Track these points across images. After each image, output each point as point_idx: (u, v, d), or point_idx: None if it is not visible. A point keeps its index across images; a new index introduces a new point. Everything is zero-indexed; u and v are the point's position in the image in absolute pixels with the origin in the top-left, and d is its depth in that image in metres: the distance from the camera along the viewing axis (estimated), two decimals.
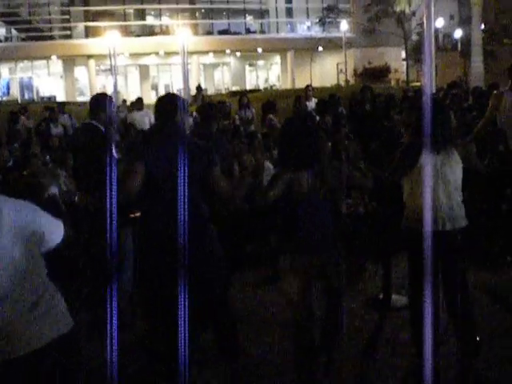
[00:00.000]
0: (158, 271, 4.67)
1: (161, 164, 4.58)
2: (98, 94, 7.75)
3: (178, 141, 4.47)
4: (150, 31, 63.26)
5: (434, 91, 10.47)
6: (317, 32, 62.52)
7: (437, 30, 45.36)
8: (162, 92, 62.16)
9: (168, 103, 4.89)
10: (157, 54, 61.71)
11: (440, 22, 47.34)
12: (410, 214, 5.11)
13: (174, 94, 5.29)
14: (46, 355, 3.14)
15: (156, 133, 4.92)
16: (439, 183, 4.98)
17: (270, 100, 14.87)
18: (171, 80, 64.23)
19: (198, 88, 29.20)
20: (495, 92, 9.14)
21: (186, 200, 3.96)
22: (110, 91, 55.89)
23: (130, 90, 55.57)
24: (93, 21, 57.64)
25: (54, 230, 3.32)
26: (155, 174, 4.60)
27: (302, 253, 4.80)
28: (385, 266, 6.71)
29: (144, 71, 64.30)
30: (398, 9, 22.00)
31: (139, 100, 17.59)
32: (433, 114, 4.84)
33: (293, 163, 4.75)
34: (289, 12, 70.24)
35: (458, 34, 48.24)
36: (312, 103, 15.06)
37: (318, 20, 59.24)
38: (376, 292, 6.87)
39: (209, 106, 8.61)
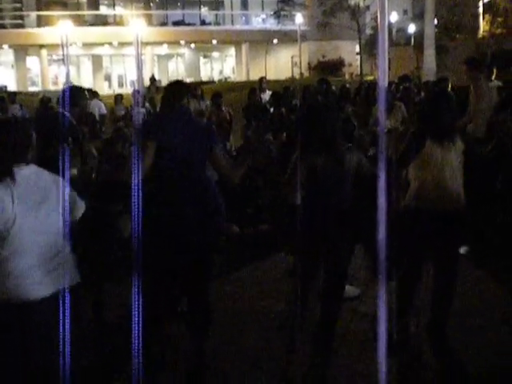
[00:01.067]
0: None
1: (171, 141, 5.02)
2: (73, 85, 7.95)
3: (184, 121, 5.10)
4: (103, 21, 62.52)
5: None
6: (272, 25, 62.53)
7: (390, 25, 45.72)
8: (115, 83, 61.57)
9: (176, 88, 5.38)
10: (110, 44, 61.06)
11: (394, 17, 47.75)
12: (420, 194, 5.44)
13: (181, 81, 5.89)
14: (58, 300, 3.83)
15: (166, 114, 5.39)
16: (444, 167, 5.32)
17: (216, 91, 15.12)
18: (125, 71, 63.66)
19: (152, 79, 29.01)
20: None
21: (193, 171, 4.97)
22: (62, 81, 55.28)
23: (83, 80, 54.84)
24: (45, 10, 56.70)
25: (80, 206, 4.20)
26: (166, 151, 5.03)
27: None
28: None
29: (97, 61, 63.59)
30: (352, 2, 22.15)
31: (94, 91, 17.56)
32: (437, 103, 5.36)
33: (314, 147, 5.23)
34: (244, 4, 70.13)
35: (412, 28, 48.69)
36: (266, 95, 15.06)
37: (273, 13, 59.23)
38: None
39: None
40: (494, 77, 11.87)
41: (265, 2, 67.75)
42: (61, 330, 3.81)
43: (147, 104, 19.94)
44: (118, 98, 19.29)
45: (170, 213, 4.99)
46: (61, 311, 3.81)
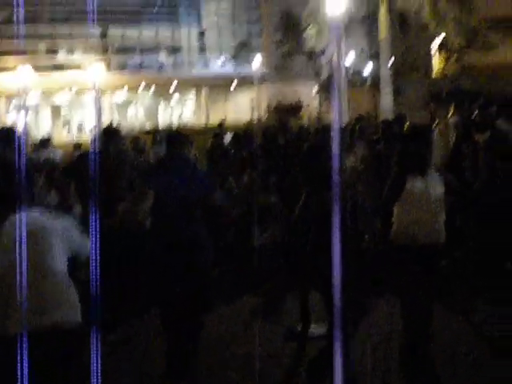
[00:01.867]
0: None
1: (168, 189, 5.31)
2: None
3: (183, 168, 5.43)
4: (61, 67, 62.43)
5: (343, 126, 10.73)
6: (230, 68, 63.11)
7: (346, 67, 46.42)
8: (73, 129, 61.26)
9: (176, 138, 5.71)
10: (69, 90, 60.93)
11: (349, 59, 48.50)
12: (400, 232, 5.56)
13: (180, 132, 6.35)
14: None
15: (166, 162, 5.72)
16: (423, 202, 5.47)
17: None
18: (83, 117, 63.44)
19: (110, 126, 28.85)
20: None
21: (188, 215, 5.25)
22: (20, 128, 54.79)
23: (41, 127, 54.49)
24: (3, 56, 56.47)
25: (86, 246, 4.26)
26: (163, 198, 5.32)
27: None
28: (302, 296, 6.72)
29: (55, 108, 63.33)
30: (309, 44, 22.63)
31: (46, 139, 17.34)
32: (416, 139, 5.57)
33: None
34: (202, 48, 70.73)
35: (368, 69, 49.42)
36: (227, 138, 15.11)
37: (230, 56, 59.76)
38: (294, 323, 6.87)
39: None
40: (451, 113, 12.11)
41: (223, 46, 68.41)
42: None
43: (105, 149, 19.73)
44: (77, 145, 19.04)
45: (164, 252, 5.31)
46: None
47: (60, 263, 4.12)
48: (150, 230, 5.46)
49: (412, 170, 5.45)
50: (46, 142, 16.71)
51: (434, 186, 5.54)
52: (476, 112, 10.35)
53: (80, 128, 62.44)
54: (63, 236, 4.17)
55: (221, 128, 15.47)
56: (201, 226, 5.64)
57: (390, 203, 5.65)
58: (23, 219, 3.98)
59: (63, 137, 50.39)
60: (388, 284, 6.23)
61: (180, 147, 5.53)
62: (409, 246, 5.46)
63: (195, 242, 5.45)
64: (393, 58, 28.84)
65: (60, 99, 62.90)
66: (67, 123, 63.60)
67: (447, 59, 42.59)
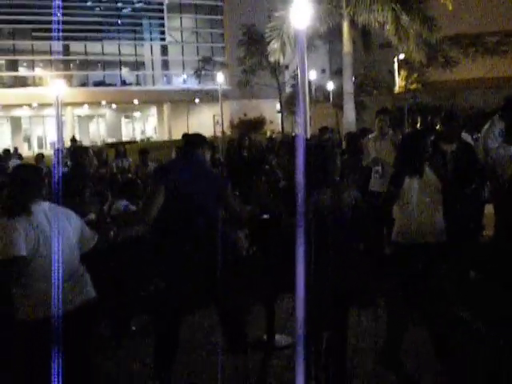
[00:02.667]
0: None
1: (181, 186, 5.37)
2: None
3: (196, 168, 5.51)
4: (22, 82, 61.92)
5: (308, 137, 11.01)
6: (193, 84, 63.15)
7: (309, 83, 46.79)
8: (34, 144, 60.59)
9: (193, 138, 5.74)
10: (29, 105, 60.43)
11: (312, 75, 48.86)
12: (400, 231, 5.74)
13: (198, 134, 6.07)
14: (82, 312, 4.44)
15: (178, 161, 5.99)
16: (421, 201, 5.66)
17: (143, 148, 15.08)
18: (44, 132, 62.96)
19: (73, 140, 28.59)
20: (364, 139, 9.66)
21: (204, 211, 5.34)
22: None
23: (1, 142, 53.90)
24: None
25: (90, 238, 4.77)
26: (175, 195, 5.38)
27: None
28: (267, 308, 6.69)
29: (16, 123, 62.74)
30: (272, 59, 22.70)
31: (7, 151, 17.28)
32: (410, 145, 5.80)
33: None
34: (165, 64, 70.75)
35: (330, 86, 49.86)
36: None
37: (193, 72, 59.79)
38: (260, 333, 6.82)
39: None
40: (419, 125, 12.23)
41: (185, 62, 68.50)
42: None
43: (69, 163, 19.63)
44: (40, 156, 18.85)
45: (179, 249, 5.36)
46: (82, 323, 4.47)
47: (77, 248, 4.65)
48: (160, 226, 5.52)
49: (407, 170, 5.68)
50: (7, 153, 16.65)
51: (429, 185, 5.71)
52: (439, 125, 10.45)
53: (41, 142, 61.98)
54: (70, 221, 4.64)
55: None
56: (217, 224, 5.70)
57: (388, 202, 5.85)
58: (45, 207, 4.49)
59: (24, 151, 49.86)
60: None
61: (195, 146, 5.63)
62: (409, 245, 5.64)
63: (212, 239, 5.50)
64: (356, 74, 29.08)
65: (20, 114, 62.33)
66: (27, 138, 63.04)
67: (409, 75, 43.26)
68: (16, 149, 28.90)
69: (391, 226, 5.91)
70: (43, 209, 4.47)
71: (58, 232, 4.44)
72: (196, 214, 5.36)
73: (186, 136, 6.06)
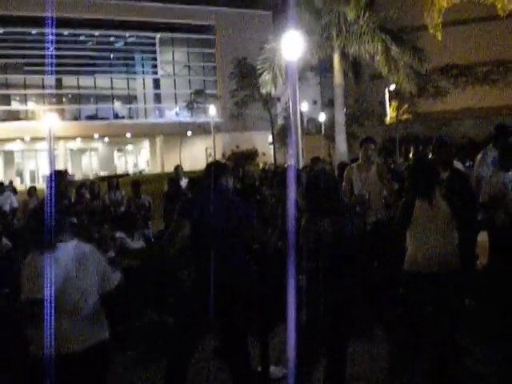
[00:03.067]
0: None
1: (205, 219, 5.47)
2: None
3: (221, 198, 5.57)
4: (14, 116, 62.03)
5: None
6: (185, 117, 63.39)
7: (301, 114, 47.05)
8: (27, 178, 60.52)
9: (214, 168, 5.80)
10: (22, 139, 60.48)
11: (304, 107, 49.11)
12: (410, 259, 5.73)
13: (219, 162, 6.34)
14: (92, 354, 4.46)
15: (202, 193, 5.90)
16: (431, 228, 5.65)
17: (135, 180, 15.14)
18: (37, 166, 62.93)
19: (65, 173, 28.58)
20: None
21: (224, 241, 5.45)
22: None
23: None
24: None
25: (113, 277, 4.78)
26: (200, 227, 5.52)
27: None
28: (262, 339, 6.64)
29: (8, 157, 62.74)
30: (263, 91, 22.78)
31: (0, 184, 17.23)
32: (421, 172, 5.83)
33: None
34: (157, 97, 71.04)
35: (322, 117, 50.10)
36: (183, 183, 15.04)
37: (185, 105, 60.03)
38: (254, 364, 6.76)
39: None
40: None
41: (178, 95, 68.79)
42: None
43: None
44: (32, 189, 18.79)
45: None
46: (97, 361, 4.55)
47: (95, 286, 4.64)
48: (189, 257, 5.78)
49: (418, 194, 5.72)
50: (1, 186, 16.65)
51: (439, 210, 5.70)
52: (430, 154, 10.48)
53: (33, 176, 61.92)
54: (94, 260, 4.64)
55: (177, 171, 15.40)
56: (242, 254, 5.84)
57: (400, 227, 5.86)
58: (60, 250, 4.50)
59: (17, 186, 49.74)
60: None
61: (219, 176, 5.71)
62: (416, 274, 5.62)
63: (238, 271, 5.63)
64: (347, 105, 29.28)
65: (13, 148, 62.36)
66: (20, 172, 62.98)
67: (400, 106, 43.55)
68: (11, 182, 28.91)
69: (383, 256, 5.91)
70: (70, 248, 4.55)
71: (82, 271, 4.53)
72: (216, 244, 5.41)
73: (209, 166, 5.95)
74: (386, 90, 46.14)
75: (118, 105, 69.46)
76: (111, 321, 6.40)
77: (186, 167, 46.79)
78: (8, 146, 61.80)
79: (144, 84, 70.15)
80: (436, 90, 40.75)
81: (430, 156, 10.86)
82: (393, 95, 45.37)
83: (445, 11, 28.08)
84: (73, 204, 11.32)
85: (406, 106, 42.96)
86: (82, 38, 65.58)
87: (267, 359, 6.60)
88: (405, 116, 43.63)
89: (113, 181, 15.10)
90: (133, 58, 69.54)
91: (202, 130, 56.53)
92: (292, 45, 15.40)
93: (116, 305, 7.39)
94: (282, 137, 51.12)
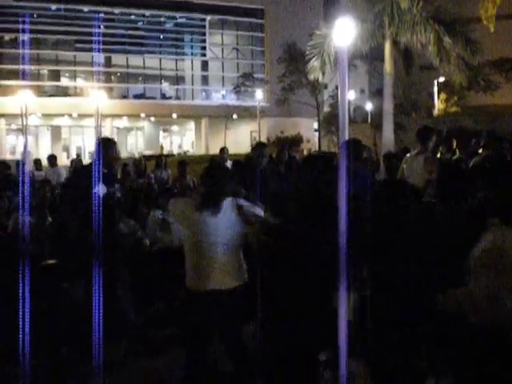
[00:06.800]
0: None
1: None
2: None
3: None
4: (63, 92, 62.72)
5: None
6: (231, 100, 63.44)
7: (349, 102, 46.74)
8: (73, 154, 61.34)
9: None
10: (70, 115, 61.14)
11: (351, 95, 48.76)
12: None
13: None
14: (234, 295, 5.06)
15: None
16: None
17: (182, 160, 15.16)
18: (83, 142, 63.59)
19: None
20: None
21: None
22: (19, 151, 54.92)
23: (41, 150, 54.57)
24: (5, 79, 56.71)
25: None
26: None
27: None
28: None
29: (56, 132, 63.51)
30: (311, 77, 22.61)
31: (52, 157, 17.21)
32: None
33: None
34: (204, 79, 71.11)
35: (369, 106, 49.69)
36: (228, 164, 15.07)
37: (233, 88, 60.05)
38: None
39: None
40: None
41: (225, 78, 68.82)
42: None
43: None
44: (78, 160, 19.06)
45: None
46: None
47: None
48: None
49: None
50: (52, 160, 16.70)
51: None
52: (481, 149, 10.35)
53: (79, 152, 62.60)
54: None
55: (222, 154, 15.42)
56: None
57: None
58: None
59: (63, 161, 50.40)
60: None
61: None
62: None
63: None
64: (396, 95, 28.92)
65: (60, 123, 63.06)
66: (67, 148, 63.71)
67: (449, 98, 42.95)
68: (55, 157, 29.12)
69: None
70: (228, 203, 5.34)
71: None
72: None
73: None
74: (435, 82, 45.49)
75: (165, 85, 69.73)
76: (149, 300, 6.47)
77: (231, 150, 46.90)
78: (56, 121, 62.53)
79: (192, 66, 70.21)
80: (487, 83, 40.11)
81: (480, 150, 10.71)
82: (442, 87, 44.74)
83: (500, 4, 27.57)
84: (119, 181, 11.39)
85: (454, 98, 42.37)
86: (132, 17, 65.87)
87: None
88: (453, 108, 43.05)
89: (161, 159, 15.20)
90: (182, 40, 69.62)
91: (247, 113, 56.55)
92: (343, 31, 15.29)
93: (154, 284, 7.46)
94: (327, 124, 50.84)
